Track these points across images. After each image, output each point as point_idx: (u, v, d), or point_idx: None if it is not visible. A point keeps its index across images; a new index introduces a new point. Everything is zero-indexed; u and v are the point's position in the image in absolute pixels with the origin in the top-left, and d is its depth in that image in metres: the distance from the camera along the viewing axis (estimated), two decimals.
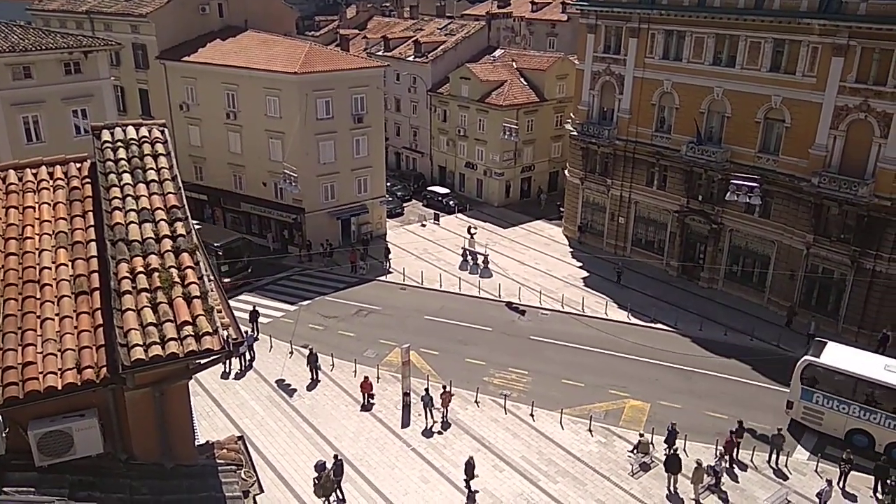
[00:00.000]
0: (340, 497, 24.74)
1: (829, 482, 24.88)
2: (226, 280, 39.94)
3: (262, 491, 8.86)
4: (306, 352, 32.93)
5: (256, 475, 8.92)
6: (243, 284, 41.85)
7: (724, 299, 41.15)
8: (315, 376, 32.28)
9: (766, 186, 37.41)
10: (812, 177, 36.31)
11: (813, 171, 36.43)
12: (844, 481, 25.91)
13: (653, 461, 26.92)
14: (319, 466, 24.08)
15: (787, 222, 38.58)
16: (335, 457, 25.16)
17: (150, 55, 49.90)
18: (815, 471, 26.69)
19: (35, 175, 9.40)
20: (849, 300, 36.60)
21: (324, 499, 24.10)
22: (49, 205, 9.03)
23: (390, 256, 46.63)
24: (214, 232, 43.87)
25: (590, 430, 29.00)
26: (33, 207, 8.94)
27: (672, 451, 25.30)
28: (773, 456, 27.15)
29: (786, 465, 26.94)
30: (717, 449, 27.28)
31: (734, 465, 26.85)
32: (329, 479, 23.94)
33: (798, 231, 38.04)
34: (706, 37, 40.56)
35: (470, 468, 24.91)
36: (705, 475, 25.21)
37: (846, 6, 34.27)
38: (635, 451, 27.02)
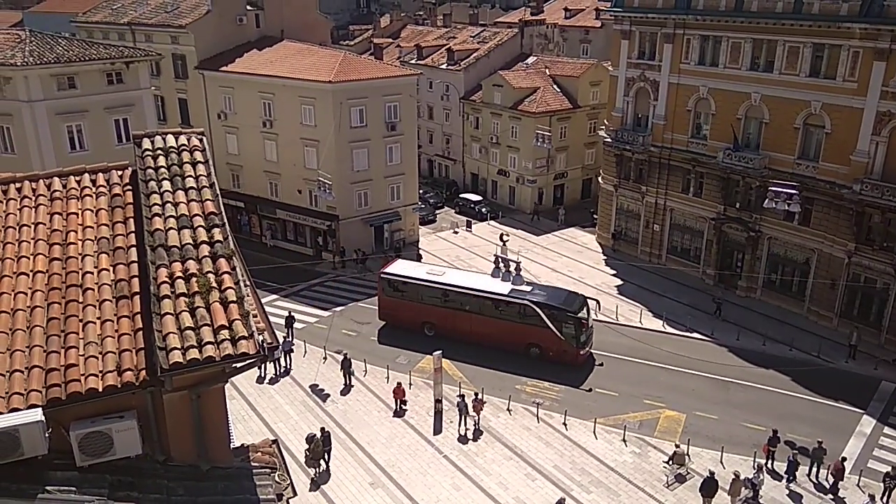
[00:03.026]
0: (326, 462, 26.55)
1: (872, 497, 24.22)
2: None
3: (295, 494, 8.93)
4: (340, 357, 33.19)
5: (290, 479, 8.99)
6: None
7: (762, 308, 40.35)
8: (348, 382, 32.47)
9: (805, 193, 36.65)
10: (853, 184, 35.48)
11: (854, 177, 35.59)
12: (889, 497, 25.14)
13: (688, 473, 26.47)
14: (310, 438, 26.11)
15: (827, 230, 37.73)
16: (322, 429, 26.97)
17: (190, 65, 50.93)
18: (858, 485, 25.97)
19: (78, 182, 9.65)
20: (892, 310, 35.59)
21: (314, 466, 26.05)
22: (92, 211, 9.26)
23: (423, 263, 46.65)
24: None
25: (624, 441, 28.64)
26: (77, 214, 9.18)
27: (710, 475, 24.75)
28: (814, 469, 26.48)
29: (826, 479, 26.24)
30: (754, 461, 26.71)
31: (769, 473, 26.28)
32: (318, 447, 25.91)
33: (839, 239, 37.16)
34: (743, 42, 39.97)
35: None
36: (743, 488, 24.70)
37: (888, 9, 33.47)
38: (670, 463, 26.60)
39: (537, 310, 33.99)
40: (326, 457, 26.59)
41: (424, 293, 36.41)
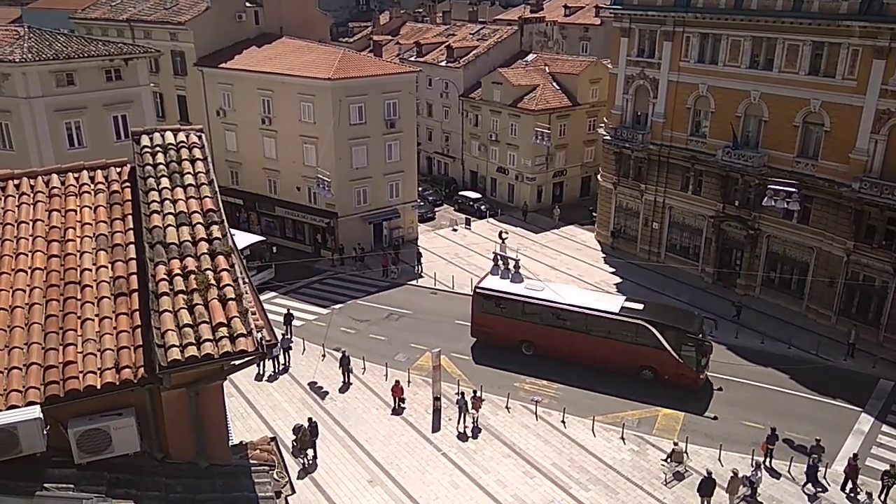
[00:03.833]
0: (314, 455, 26.93)
1: (870, 495, 24.25)
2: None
3: (293, 492, 8.94)
4: (338, 355, 33.19)
5: (288, 476, 9.00)
6: (266, 284, 42.41)
7: (760, 306, 40.37)
8: (347, 379, 32.48)
9: (804, 192, 36.60)
10: (852, 182, 35.49)
11: (853, 176, 35.61)
12: (886, 495, 25.17)
13: (687, 471, 26.50)
14: (297, 429, 26.44)
15: (826, 228, 37.75)
16: (309, 419, 27.25)
17: (189, 62, 50.85)
18: (842, 488, 25.94)
19: (77, 179, 9.65)
20: (891, 308, 35.62)
21: (302, 456, 26.44)
22: (90, 208, 9.25)
23: (421, 260, 46.74)
24: (239, 237, 44.36)
25: (622, 438, 28.66)
26: (75, 210, 9.17)
27: (707, 475, 24.72)
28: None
29: (824, 477, 26.28)
30: (752, 459, 26.75)
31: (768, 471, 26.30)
32: (306, 437, 26.28)
33: (838, 237, 37.18)
34: (743, 39, 39.95)
35: None
36: (741, 486, 24.73)
37: (888, 7, 33.45)
38: (669, 460, 26.63)
39: (653, 330, 31.54)
40: (314, 446, 26.95)
41: (523, 310, 34.16)
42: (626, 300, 33.56)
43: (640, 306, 32.78)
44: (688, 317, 33.36)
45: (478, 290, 35.45)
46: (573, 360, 32.90)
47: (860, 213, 35.98)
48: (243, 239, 42.40)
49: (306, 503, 24.55)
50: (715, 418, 29.88)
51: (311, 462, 26.81)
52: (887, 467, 25.36)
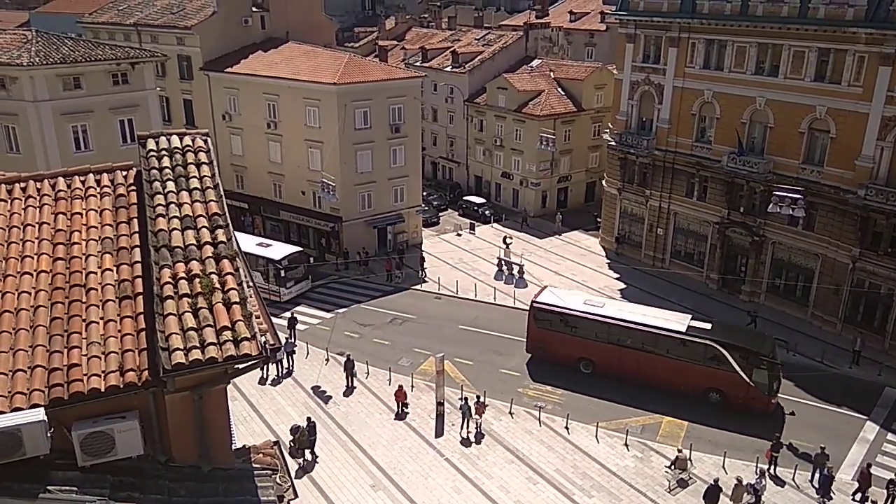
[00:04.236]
0: (312, 455, 27.06)
1: (874, 503, 24.09)
2: (284, 290, 40.22)
3: (296, 496, 8.92)
4: (342, 359, 33.19)
5: (291, 480, 8.99)
6: (304, 294, 42.39)
7: (765, 313, 40.20)
8: (351, 383, 32.46)
9: (810, 198, 36.54)
10: (858, 189, 35.40)
11: (859, 182, 35.51)
12: None
13: (690, 478, 26.40)
14: (295, 429, 26.52)
15: (831, 235, 37.64)
16: (308, 419, 27.39)
17: (195, 66, 51.06)
18: (853, 495, 25.80)
19: (83, 182, 9.68)
20: None
21: (300, 457, 26.46)
22: (96, 211, 9.28)
23: (425, 265, 46.75)
24: (277, 248, 42.83)
25: (626, 445, 28.57)
26: (81, 214, 9.21)
27: (714, 483, 24.61)
28: (816, 475, 26.36)
29: (823, 485, 26.11)
30: (757, 466, 26.63)
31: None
32: (304, 437, 26.37)
33: (843, 244, 37.06)
34: (748, 46, 39.93)
35: None
36: (745, 493, 24.62)
37: (894, 14, 33.42)
38: (673, 468, 26.52)
39: (723, 351, 30.10)
40: (312, 447, 27.10)
41: (582, 326, 32.98)
42: (692, 319, 31.96)
43: (708, 326, 31.37)
44: (759, 338, 32.03)
45: (535, 305, 34.25)
46: (636, 380, 31.64)
47: (866, 220, 35.87)
48: (281, 250, 41.96)
49: None
50: (789, 445, 28.06)
51: (309, 462, 26.90)
52: (892, 476, 25.23)
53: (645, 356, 31.61)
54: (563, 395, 32.07)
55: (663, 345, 31.32)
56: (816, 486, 26.13)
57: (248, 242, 41.37)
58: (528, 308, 34.92)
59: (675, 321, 31.88)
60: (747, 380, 29.87)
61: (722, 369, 30.30)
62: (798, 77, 37.89)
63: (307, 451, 26.91)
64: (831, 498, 25.55)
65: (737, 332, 33.14)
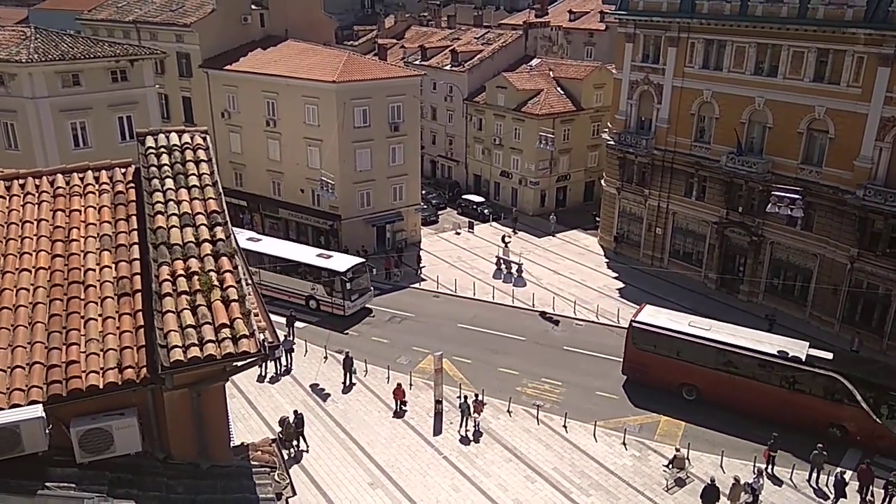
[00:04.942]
0: (305, 446, 27.38)
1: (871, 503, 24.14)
2: (349, 304, 38.44)
3: (294, 494, 8.93)
4: (340, 357, 33.20)
5: (289, 478, 9.00)
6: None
7: (764, 313, 40.26)
8: (349, 381, 32.47)
9: (808, 198, 36.60)
10: (857, 189, 35.45)
11: (858, 183, 35.56)
12: (889, 503, 25.08)
13: (688, 477, 26.43)
14: (282, 421, 26.95)
15: (830, 235, 37.69)
16: (295, 412, 27.70)
17: (194, 64, 51.02)
18: (858, 492, 25.87)
19: (82, 179, 9.68)
20: (894, 316, 35.54)
21: (288, 447, 26.55)
22: (94, 208, 9.28)
23: (422, 263, 46.76)
24: (340, 259, 40.11)
25: (624, 444, 28.61)
26: (79, 211, 9.20)
27: (711, 482, 24.63)
28: (814, 475, 26.42)
29: (826, 485, 26.19)
30: (754, 466, 26.66)
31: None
32: (291, 429, 26.64)
33: (841, 245, 37.11)
34: (747, 46, 39.95)
35: None
36: (742, 493, 24.65)
37: (893, 15, 33.45)
38: (670, 466, 26.56)
39: (848, 385, 27.81)
40: (300, 438, 27.36)
41: (687, 349, 30.72)
42: (810, 347, 29.61)
43: (830, 356, 29.07)
44: (890, 371, 29.54)
45: (634, 325, 32.19)
46: (747, 410, 29.33)
47: (864, 221, 35.92)
48: (344, 261, 39.40)
49: None
50: None
51: (297, 453, 27.13)
52: (890, 476, 25.26)
53: (756, 385, 29.21)
54: (562, 394, 32.09)
55: (778, 374, 28.98)
56: (814, 485, 26.21)
57: (307, 254, 40.61)
58: (529, 308, 34.57)
59: (792, 348, 29.44)
60: (874, 417, 27.53)
61: (845, 404, 27.86)
62: (797, 77, 37.92)
63: (294, 442, 27.15)
64: (828, 497, 25.60)
65: (861, 362, 30.90)
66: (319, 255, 40.30)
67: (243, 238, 41.66)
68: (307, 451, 27.41)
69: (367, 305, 40.25)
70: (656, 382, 31.65)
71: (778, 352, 29.27)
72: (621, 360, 33.03)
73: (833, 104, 36.54)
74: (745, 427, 29.29)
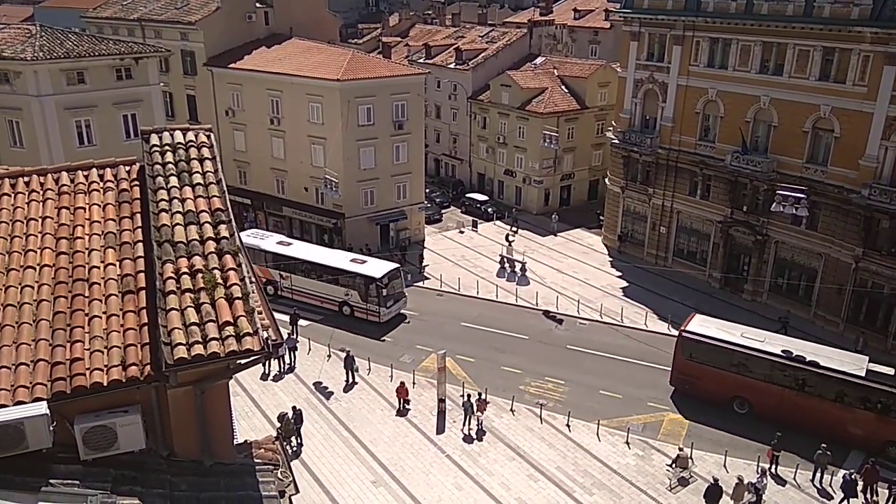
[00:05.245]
0: (299, 441, 27.53)
1: (875, 503, 24.08)
2: (385, 311, 37.50)
3: (297, 491, 8.94)
4: (343, 355, 33.21)
5: (293, 475, 9.00)
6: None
7: (768, 312, 40.18)
8: (351, 379, 32.50)
9: (813, 198, 36.50)
10: (862, 188, 35.33)
11: (863, 182, 35.44)
12: (893, 503, 25.01)
13: (691, 476, 26.40)
14: (281, 417, 27.09)
15: (835, 235, 37.57)
16: (293, 408, 27.84)
17: (198, 62, 51.06)
18: (861, 491, 25.80)
19: (86, 177, 9.70)
20: None
21: (286, 444, 26.59)
22: (99, 206, 9.29)
23: (424, 262, 46.73)
24: (374, 265, 39.01)
25: (627, 443, 28.58)
26: (84, 208, 9.22)
27: (714, 482, 24.59)
28: (818, 474, 26.36)
29: (830, 485, 26.14)
30: (758, 465, 26.62)
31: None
32: (290, 425, 26.79)
33: (846, 244, 37.00)
34: (753, 44, 39.82)
35: None
36: (746, 492, 24.61)
37: None
38: (674, 466, 26.52)
39: None
40: (299, 434, 27.50)
41: (740, 362, 29.77)
42: (870, 361, 28.69)
43: (892, 371, 27.89)
44: None
45: (684, 335, 31.20)
46: (801, 425, 28.16)
47: (869, 220, 35.81)
48: (379, 267, 38.37)
49: (310, 503, 24.56)
50: None
51: (295, 449, 27.17)
52: (894, 476, 25.18)
53: (812, 400, 28.20)
54: (565, 393, 32.07)
55: (836, 390, 27.88)
56: (818, 485, 26.16)
57: (340, 259, 39.48)
58: (532, 307, 34.40)
59: (851, 363, 28.41)
60: None
61: None
62: (802, 76, 37.79)
63: (293, 439, 27.23)
64: (831, 497, 25.54)
65: None
66: (353, 261, 39.15)
67: (272, 242, 41.30)
68: (301, 447, 27.49)
69: (402, 311, 39.19)
70: (706, 395, 30.61)
71: (835, 366, 28.14)
72: (669, 369, 31.99)
73: (839, 103, 36.41)
74: (749, 427, 29.28)
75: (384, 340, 36.60)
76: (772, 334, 31.71)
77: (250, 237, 41.52)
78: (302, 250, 40.90)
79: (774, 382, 29.17)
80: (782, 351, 29.25)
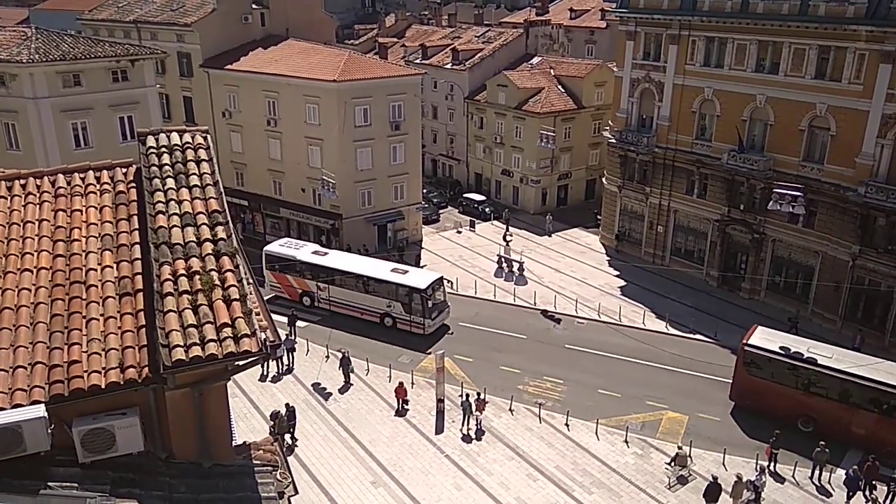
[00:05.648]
0: (293, 439, 27.62)
1: (875, 500, 24.12)
2: (429, 322, 36.46)
3: (296, 492, 8.94)
4: (340, 355, 33.21)
5: (291, 477, 9.00)
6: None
7: (765, 310, 40.23)
8: (347, 380, 32.48)
9: (810, 196, 36.55)
10: (858, 186, 35.41)
11: (859, 180, 35.51)
12: (892, 501, 25.05)
13: (690, 474, 26.43)
14: (274, 415, 27.20)
15: (831, 233, 37.64)
16: (287, 405, 27.98)
17: (195, 63, 51.02)
18: (861, 487, 25.86)
19: (83, 179, 9.69)
20: None
21: (280, 441, 26.21)
22: (96, 208, 9.29)
23: (420, 263, 46.72)
24: (417, 275, 38.39)
25: (626, 442, 28.60)
26: (81, 211, 9.21)
27: (713, 480, 24.62)
28: (816, 472, 26.40)
29: (829, 482, 26.19)
30: (757, 463, 26.66)
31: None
32: (283, 422, 26.86)
33: (843, 242, 37.08)
34: (749, 43, 39.88)
35: None
36: (745, 490, 24.64)
37: (894, 12, 33.40)
38: (672, 464, 26.55)
39: None
40: (292, 431, 27.58)
41: (804, 378, 28.35)
42: None
43: None
44: None
45: (746, 349, 29.76)
46: (871, 447, 26.40)
47: (866, 218, 35.89)
48: (422, 277, 37.62)
49: None
50: None
51: (289, 446, 27.20)
52: (893, 473, 25.24)
53: (885, 421, 26.81)
54: (564, 392, 32.10)
55: None
56: (817, 483, 26.20)
57: (380, 269, 38.15)
58: (530, 306, 34.07)
59: None
60: None
61: None
62: (798, 74, 37.85)
63: (287, 436, 27.23)
64: (830, 494, 25.58)
65: None
66: (394, 270, 37.87)
67: (308, 252, 40.05)
68: (295, 442, 27.62)
69: (445, 322, 37.94)
70: (770, 411, 29.00)
71: None
72: (730, 384, 30.79)
73: (834, 101, 36.48)
74: (748, 425, 29.31)
75: (429, 353, 34.61)
76: (840, 349, 29.97)
77: (284, 247, 40.77)
78: (338, 260, 39.62)
79: (842, 401, 27.71)
80: (853, 369, 27.53)
